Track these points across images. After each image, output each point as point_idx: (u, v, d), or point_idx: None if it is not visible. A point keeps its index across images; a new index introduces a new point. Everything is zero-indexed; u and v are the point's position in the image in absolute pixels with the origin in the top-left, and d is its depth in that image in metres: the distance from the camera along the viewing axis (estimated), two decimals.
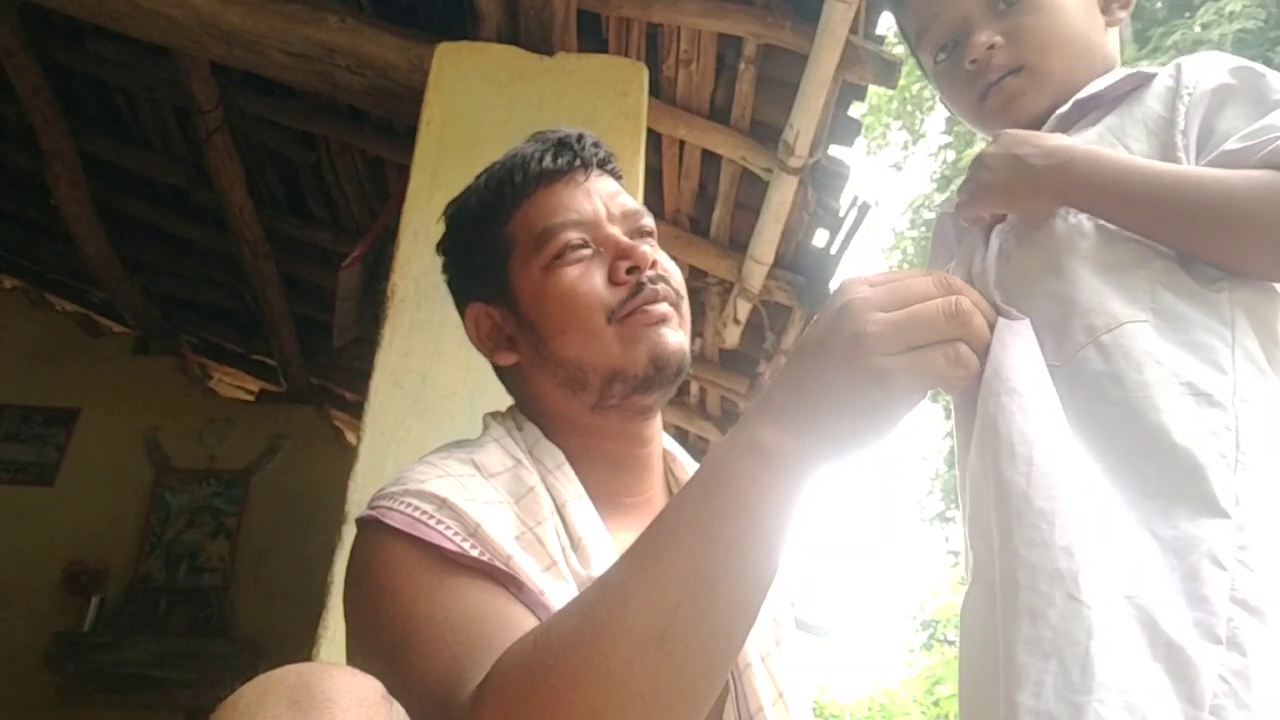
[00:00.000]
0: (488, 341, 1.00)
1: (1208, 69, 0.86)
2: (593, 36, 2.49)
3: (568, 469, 0.92)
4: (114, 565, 4.01)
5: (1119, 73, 0.93)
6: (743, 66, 2.51)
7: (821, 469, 0.65)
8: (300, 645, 1.72)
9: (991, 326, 0.70)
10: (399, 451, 1.86)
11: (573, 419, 0.95)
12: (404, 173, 2.29)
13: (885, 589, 19.78)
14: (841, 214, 2.88)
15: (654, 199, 2.88)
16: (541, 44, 2.30)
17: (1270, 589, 0.64)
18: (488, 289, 0.98)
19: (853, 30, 2.27)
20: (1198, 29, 9.81)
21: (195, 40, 2.45)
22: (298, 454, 4.30)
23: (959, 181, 0.94)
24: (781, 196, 2.66)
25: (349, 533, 1.79)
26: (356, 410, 3.60)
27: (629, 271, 0.93)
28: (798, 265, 3.04)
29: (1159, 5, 10.59)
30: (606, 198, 0.97)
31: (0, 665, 3.75)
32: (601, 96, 2.27)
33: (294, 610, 2.74)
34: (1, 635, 3.78)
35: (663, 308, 0.92)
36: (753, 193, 2.82)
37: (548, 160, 0.96)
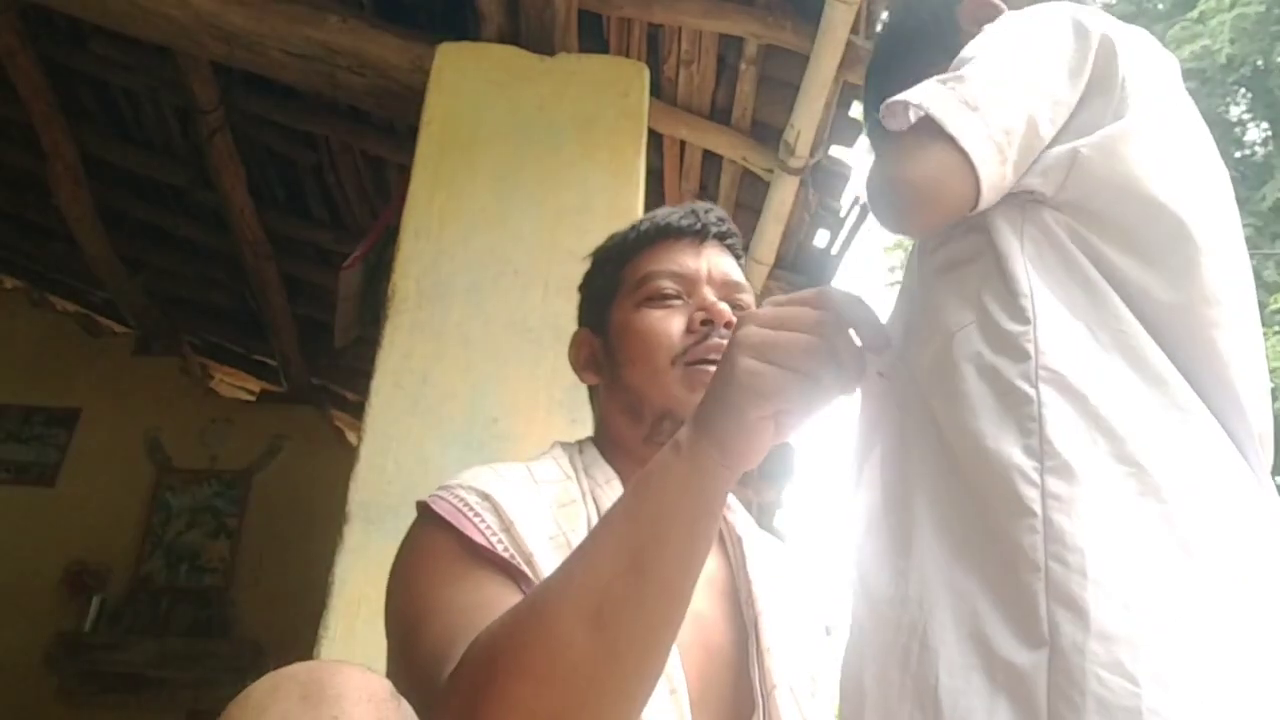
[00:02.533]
0: (581, 363, 1.11)
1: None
2: (594, 37, 2.49)
3: (616, 484, 0.99)
4: (115, 565, 4.01)
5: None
6: (744, 67, 2.51)
7: (726, 465, 0.70)
8: (301, 645, 1.72)
9: (879, 338, 0.72)
10: (400, 452, 1.86)
11: (629, 445, 1.03)
12: (405, 173, 2.29)
13: None
14: (842, 214, 2.89)
15: (655, 199, 2.88)
16: (542, 44, 2.30)
17: (1087, 577, 0.62)
18: (594, 318, 1.11)
19: (854, 30, 2.28)
20: (1194, 16, 9.79)
21: (196, 40, 2.45)
22: (299, 454, 4.30)
23: None
24: (782, 197, 2.66)
25: (350, 533, 1.80)
26: (357, 411, 3.61)
27: (703, 323, 1.00)
28: (799, 266, 3.04)
29: (1160, 5, 10.57)
30: (713, 264, 1.06)
31: (1, 665, 3.74)
32: (602, 97, 2.28)
33: (295, 610, 2.73)
34: (2, 635, 3.78)
35: None
36: (753, 193, 2.82)
37: (674, 219, 1.08)
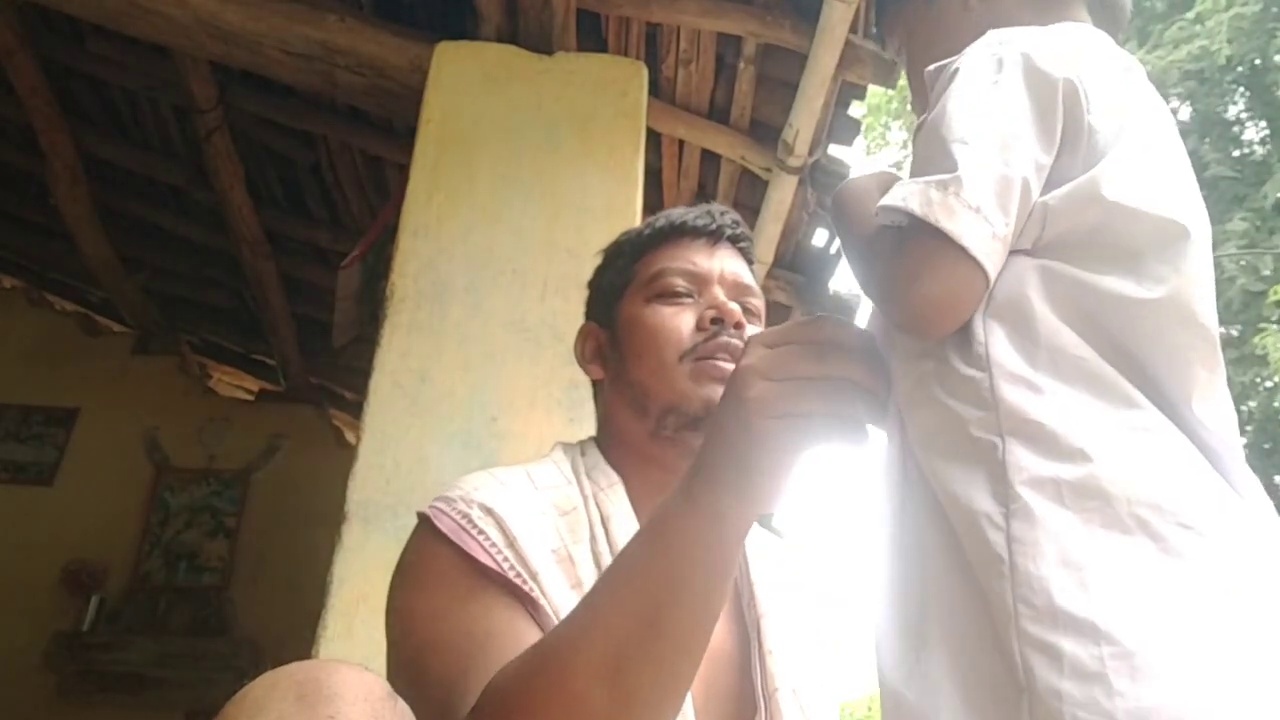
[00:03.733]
0: (587, 356, 1.11)
1: (943, 77, 0.82)
2: (592, 36, 2.49)
3: (620, 489, 0.99)
4: (113, 565, 4.01)
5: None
6: (742, 66, 2.51)
7: (745, 515, 0.70)
8: (300, 645, 1.72)
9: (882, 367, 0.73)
10: (398, 451, 1.86)
11: (634, 442, 1.02)
12: (404, 172, 2.29)
13: None
14: None
15: (653, 199, 2.88)
16: (541, 43, 2.30)
17: (1057, 619, 0.61)
18: (602, 312, 1.11)
19: (852, 30, 2.28)
20: (1191, 16, 9.78)
21: (194, 40, 2.45)
22: (297, 453, 4.30)
23: None
24: (781, 196, 2.66)
25: (349, 532, 1.80)
26: (356, 410, 3.60)
27: (713, 321, 1.01)
28: (797, 265, 3.05)
29: (1158, 5, 10.57)
30: (726, 266, 1.07)
31: None
32: (601, 96, 2.28)
33: (293, 610, 2.73)
34: (1, 635, 3.78)
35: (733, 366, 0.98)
36: (752, 192, 2.83)
37: (689, 219, 1.09)
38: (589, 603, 0.74)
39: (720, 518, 0.70)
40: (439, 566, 0.87)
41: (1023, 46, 0.79)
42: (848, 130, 2.69)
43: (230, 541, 4.10)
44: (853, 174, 2.75)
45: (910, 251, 0.72)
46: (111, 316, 4.76)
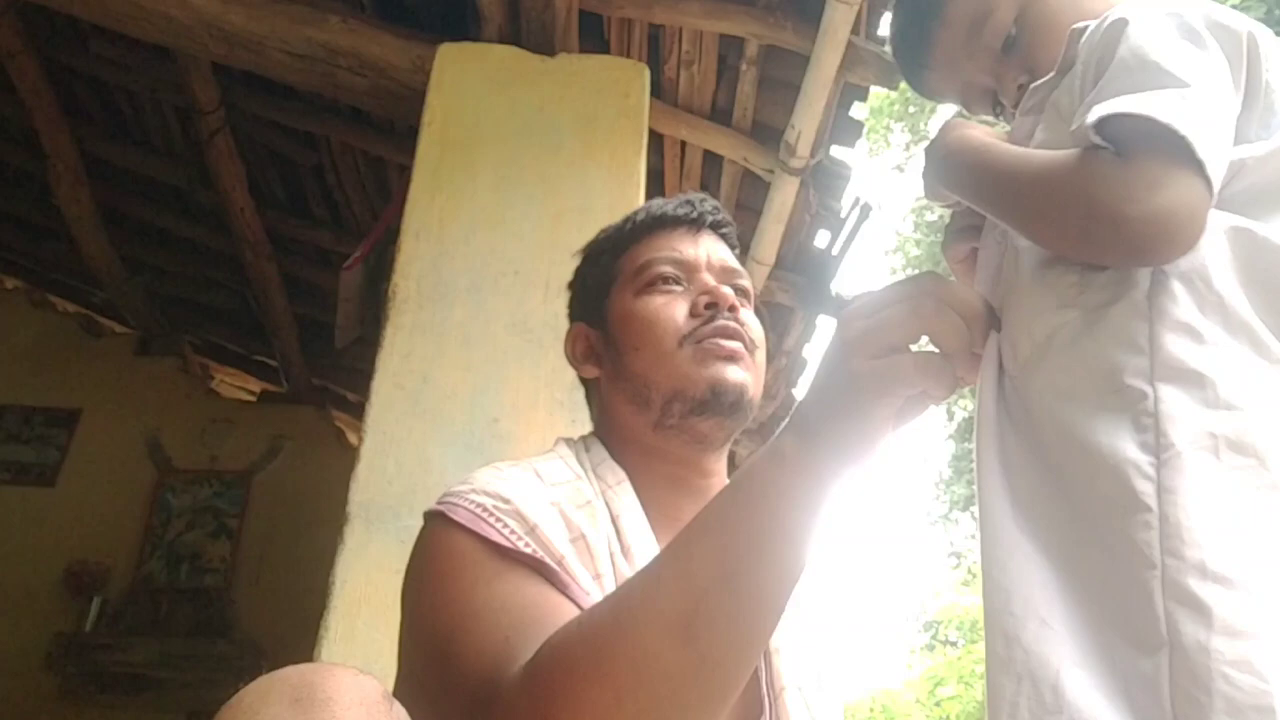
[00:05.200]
0: (579, 357, 1.09)
1: (1102, 25, 0.80)
2: (594, 37, 2.49)
3: (627, 486, 0.97)
4: (115, 566, 4.01)
5: (1071, 35, 0.87)
6: (744, 67, 2.51)
7: (838, 471, 0.68)
8: (302, 646, 1.72)
9: (981, 321, 0.71)
10: (400, 452, 1.86)
11: (637, 436, 1.01)
12: (405, 173, 2.29)
13: (888, 590, 19.81)
14: (843, 215, 2.88)
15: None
16: (543, 45, 2.30)
17: (1206, 573, 0.60)
18: (590, 311, 1.09)
19: (854, 31, 2.28)
20: None
21: (197, 41, 2.45)
22: (299, 455, 4.30)
23: None
24: (783, 197, 2.66)
25: (351, 533, 1.80)
26: (358, 411, 3.61)
27: (707, 307, 1.00)
28: (799, 266, 3.04)
29: None
30: (711, 251, 1.06)
31: (1, 665, 3.74)
32: (603, 97, 2.28)
33: (296, 611, 2.73)
34: (2, 635, 3.78)
35: (734, 344, 0.99)
36: (754, 194, 2.82)
37: (669, 209, 1.08)
38: (665, 558, 0.72)
39: (810, 471, 0.68)
40: (460, 554, 0.83)
41: (1198, 6, 0.77)
42: (850, 131, 2.69)
43: (232, 543, 4.10)
44: (855, 176, 2.75)
45: (1145, 162, 0.68)
46: (113, 317, 4.77)
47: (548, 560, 0.82)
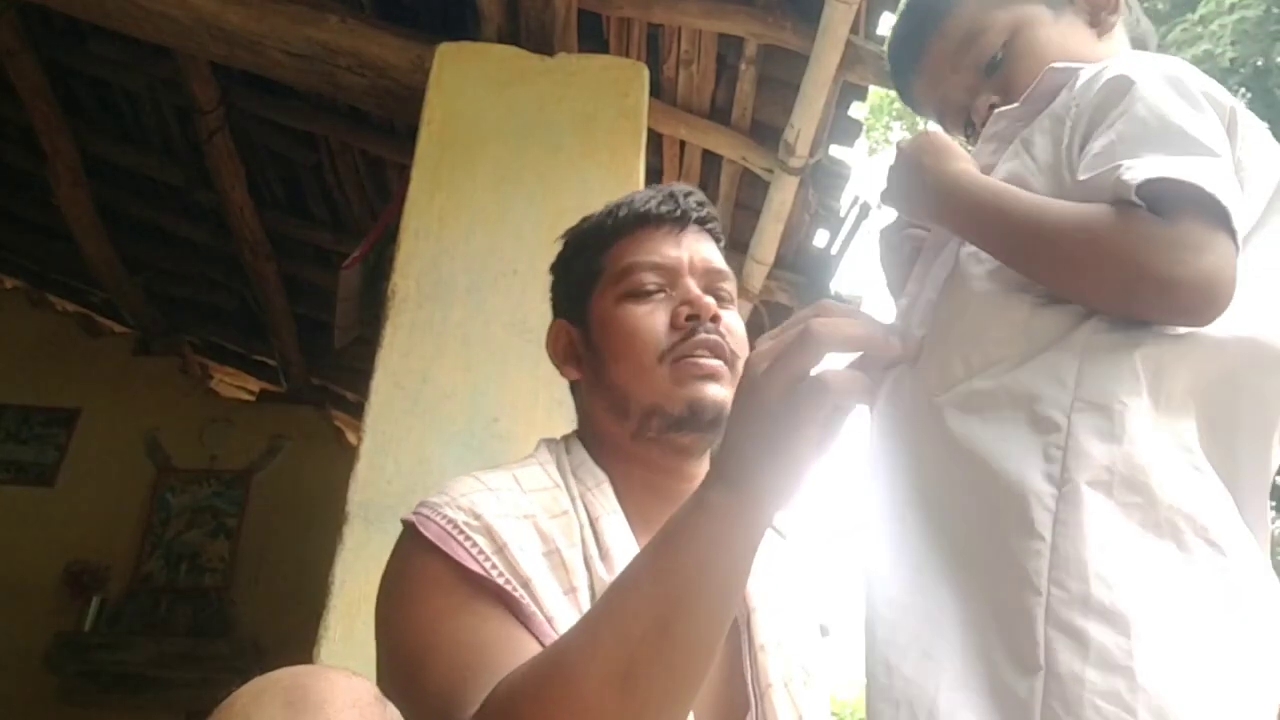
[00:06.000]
0: (560, 355, 1.10)
1: (1100, 76, 0.81)
2: (593, 37, 2.49)
3: (607, 488, 0.97)
4: (114, 565, 4.01)
5: (1048, 73, 0.89)
6: (743, 67, 2.51)
7: (766, 513, 0.70)
8: (301, 646, 1.72)
9: (871, 324, 0.74)
10: (400, 452, 1.86)
11: (617, 443, 1.00)
12: (405, 173, 2.29)
13: None
14: (842, 214, 2.89)
15: None
16: (542, 44, 2.30)
17: (1089, 606, 0.62)
18: (572, 308, 1.09)
19: (853, 30, 2.28)
20: (1195, 19, 9.78)
21: (196, 40, 2.45)
22: (298, 454, 4.30)
23: None
24: (782, 197, 2.66)
25: (350, 533, 1.80)
26: (357, 410, 3.61)
27: (688, 318, 0.99)
28: (798, 266, 3.05)
29: (1160, 6, 10.57)
30: (694, 251, 1.04)
31: (1, 665, 3.74)
32: (602, 97, 2.27)
33: (295, 610, 2.74)
34: (2, 635, 3.78)
35: (714, 363, 0.98)
36: (753, 193, 2.83)
37: (652, 205, 1.05)
38: (600, 608, 0.73)
39: (736, 518, 0.69)
40: (428, 576, 0.85)
41: (1190, 73, 0.79)
42: (849, 131, 2.69)
43: (231, 542, 4.10)
44: (854, 175, 2.75)
45: (1190, 225, 0.69)
46: (112, 317, 4.77)
47: (512, 587, 0.83)
